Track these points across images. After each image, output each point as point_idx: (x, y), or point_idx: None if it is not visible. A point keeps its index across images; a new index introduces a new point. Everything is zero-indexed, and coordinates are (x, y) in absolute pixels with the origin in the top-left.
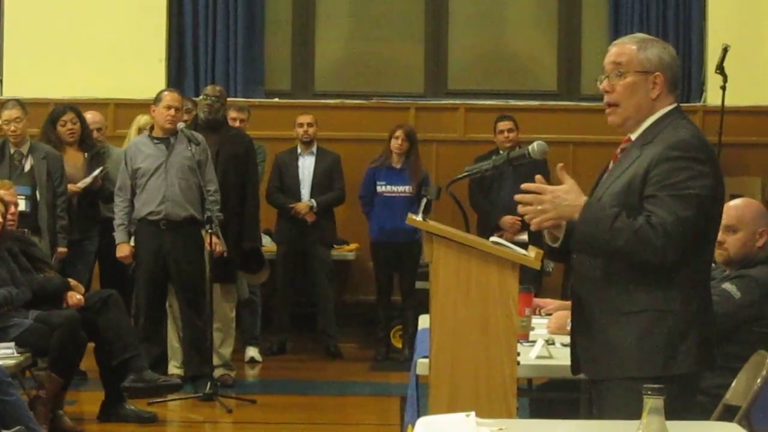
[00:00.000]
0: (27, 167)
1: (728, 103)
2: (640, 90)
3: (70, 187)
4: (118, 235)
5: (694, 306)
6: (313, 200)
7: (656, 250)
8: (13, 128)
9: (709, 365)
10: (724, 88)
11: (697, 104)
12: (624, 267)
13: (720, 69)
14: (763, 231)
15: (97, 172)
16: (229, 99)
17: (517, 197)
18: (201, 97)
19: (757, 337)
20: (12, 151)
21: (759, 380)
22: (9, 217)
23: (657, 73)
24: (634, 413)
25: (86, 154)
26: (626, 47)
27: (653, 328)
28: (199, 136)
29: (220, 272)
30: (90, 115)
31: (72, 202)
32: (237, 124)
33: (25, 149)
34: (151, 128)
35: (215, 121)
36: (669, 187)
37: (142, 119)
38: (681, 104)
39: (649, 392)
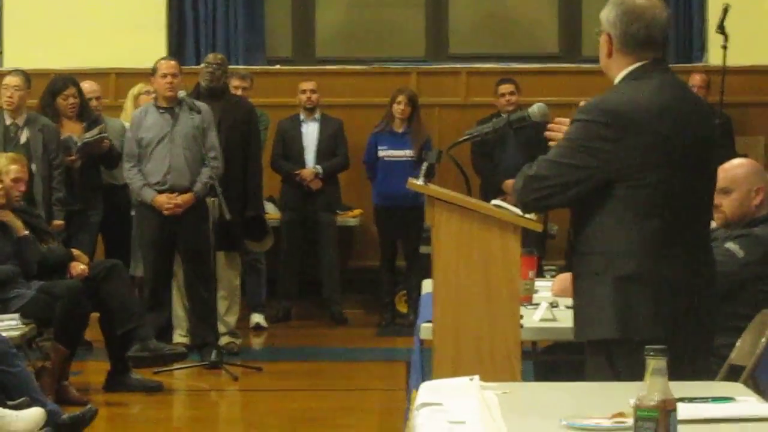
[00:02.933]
0: (23, 139)
1: (729, 62)
2: (602, 49)
3: (66, 158)
4: (147, 194)
5: (647, 273)
6: (318, 167)
7: (516, 191)
8: (9, 94)
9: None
10: (725, 47)
11: (698, 64)
12: (586, 231)
13: (721, 28)
14: (759, 189)
15: (95, 130)
16: (230, 67)
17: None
18: (202, 65)
19: (762, 296)
20: (8, 122)
21: (764, 339)
22: (16, 193)
23: (604, 33)
24: (597, 375)
25: (84, 123)
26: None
27: (606, 292)
28: (202, 105)
29: (224, 240)
30: (87, 85)
31: (73, 169)
32: (239, 92)
33: (21, 121)
34: (156, 98)
35: (217, 88)
36: (557, 144)
37: (135, 88)
38: (682, 64)
39: (651, 353)
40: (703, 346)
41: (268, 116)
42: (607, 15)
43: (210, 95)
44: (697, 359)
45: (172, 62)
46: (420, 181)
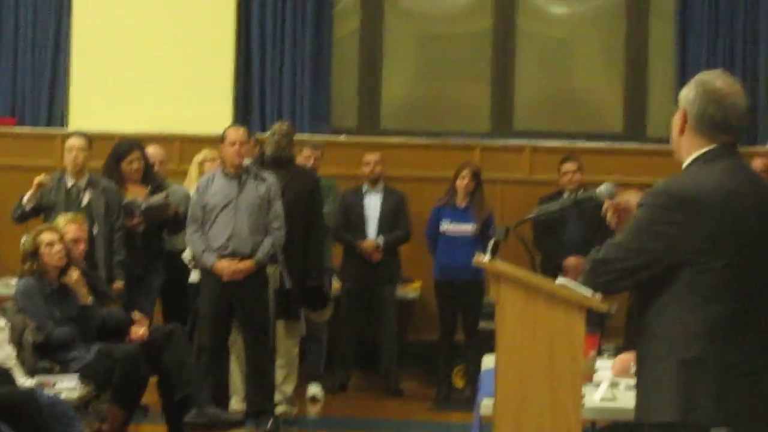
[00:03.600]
0: (85, 201)
1: None
2: (675, 126)
3: (130, 222)
4: (208, 259)
5: (711, 357)
6: (380, 239)
7: (584, 274)
8: (74, 156)
9: (725, 420)
10: None
11: (763, 148)
12: (650, 314)
13: None
14: None
15: (161, 195)
16: (299, 136)
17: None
18: (268, 133)
19: None
20: (69, 184)
21: None
22: (76, 254)
23: (682, 110)
24: None
25: (149, 187)
26: None
27: (669, 375)
28: (267, 173)
29: (283, 308)
30: (152, 149)
31: (136, 233)
32: (311, 161)
33: (83, 182)
34: (223, 165)
35: (282, 158)
36: (624, 228)
37: (200, 155)
38: (746, 146)
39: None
40: None
41: (337, 187)
42: (687, 93)
43: (275, 164)
44: None
45: (242, 130)
46: (486, 258)
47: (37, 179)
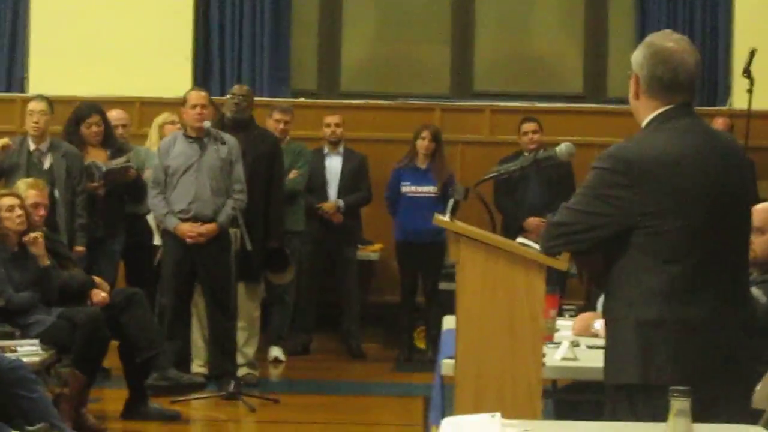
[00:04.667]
0: (46, 165)
1: (755, 106)
2: (630, 91)
3: (90, 185)
4: (170, 221)
5: (669, 317)
6: (340, 201)
7: (540, 238)
8: (36, 119)
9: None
10: (750, 91)
11: (723, 108)
12: (611, 275)
13: (747, 72)
14: None
15: (122, 159)
16: (272, 100)
17: None
18: (228, 96)
19: None
20: (32, 148)
21: None
22: (36, 218)
23: (634, 74)
24: (617, 418)
25: (109, 151)
26: None
27: (629, 336)
28: (227, 136)
29: (245, 271)
30: (115, 113)
31: (97, 197)
32: (281, 126)
33: (44, 147)
34: (184, 127)
35: (242, 120)
36: (577, 192)
37: (160, 117)
38: (706, 107)
39: (675, 394)
40: (737, 391)
41: (309, 152)
42: (635, 56)
43: (235, 126)
44: (732, 404)
45: (203, 93)
46: (446, 218)
47: (1, 142)
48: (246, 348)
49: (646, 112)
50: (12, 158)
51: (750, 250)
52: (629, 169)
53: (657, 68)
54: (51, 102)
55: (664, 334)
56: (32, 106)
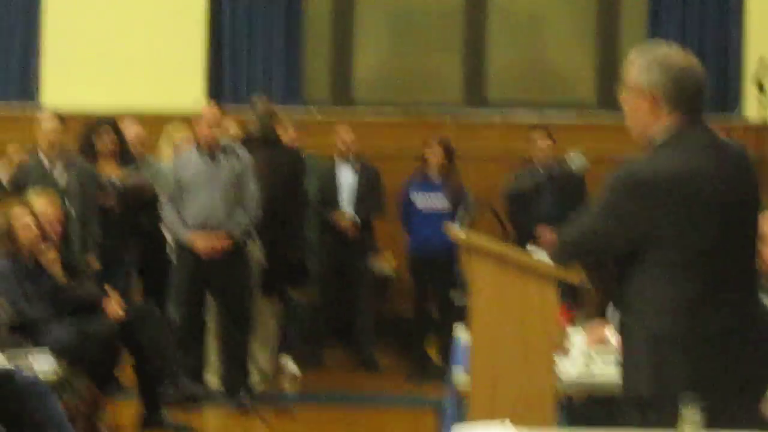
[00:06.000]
0: (61, 181)
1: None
2: (639, 110)
3: (102, 200)
4: (183, 234)
5: (681, 331)
6: (356, 216)
7: (552, 254)
8: (51, 139)
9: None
10: (761, 101)
11: (732, 114)
12: (624, 287)
13: (761, 87)
14: None
15: (137, 177)
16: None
17: None
18: (250, 111)
19: None
20: (45, 164)
21: None
22: (52, 235)
23: (645, 91)
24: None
25: (123, 165)
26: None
27: (641, 349)
28: (241, 150)
29: (264, 285)
30: (134, 129)
31: (111, 211)
32: (295, 141)
33: (59, 162)
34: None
35: (268, 137)
36: (590, 210)
37: (172, 130)
38: (717, 115)
39: (687, 405)
40: (748, 401)
41: (318, 165)
42: (647, 75)
43: (263, 143)
44: (743, 413)
45: (216, 110)
46: (457, 230)
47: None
48: (261, 361)
49: (661, 127)
50: (28, 176)
51: (762, 260)
52: (643, 188)
53: (681, 83)
54: (63, 117)
55: (677, 348)
56: (45, 126)
